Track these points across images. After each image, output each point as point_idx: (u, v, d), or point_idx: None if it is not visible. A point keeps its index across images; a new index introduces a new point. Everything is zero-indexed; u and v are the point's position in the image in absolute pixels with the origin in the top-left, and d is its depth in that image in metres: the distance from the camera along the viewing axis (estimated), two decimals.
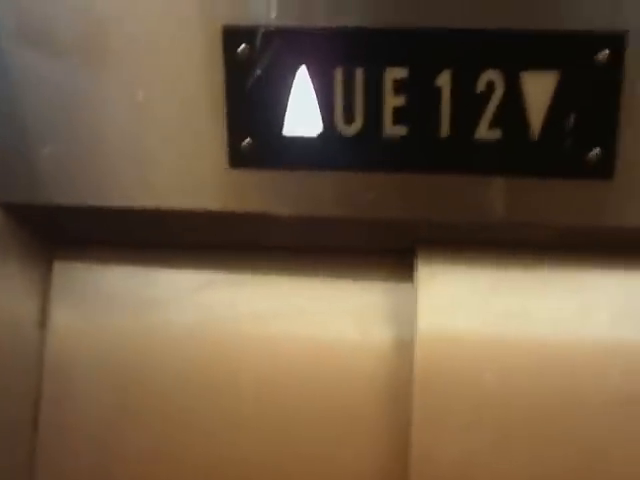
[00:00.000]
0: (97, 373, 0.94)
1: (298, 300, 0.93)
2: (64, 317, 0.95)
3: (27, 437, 0.93)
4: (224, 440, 0.92)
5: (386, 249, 0.91)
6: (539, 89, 0.77)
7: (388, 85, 0.78)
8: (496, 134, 0.78)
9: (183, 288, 0.94)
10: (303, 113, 0.79)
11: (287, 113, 0.79)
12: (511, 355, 0.87)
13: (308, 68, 0.78)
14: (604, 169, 0.78)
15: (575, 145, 0.78)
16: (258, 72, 0.79)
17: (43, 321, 0.95)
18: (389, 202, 0.82)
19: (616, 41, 0.74)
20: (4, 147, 0.84)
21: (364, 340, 0.92)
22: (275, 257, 0.94)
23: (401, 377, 0.90)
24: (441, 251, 0.89)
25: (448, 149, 0.79)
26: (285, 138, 0.80)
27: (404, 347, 0.90)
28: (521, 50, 0.76)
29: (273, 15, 0.77)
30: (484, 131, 0.78)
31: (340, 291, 0.93)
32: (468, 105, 0.78)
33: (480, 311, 0.88)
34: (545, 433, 0.86)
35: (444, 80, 0.77)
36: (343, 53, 0.78)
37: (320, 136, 0.80)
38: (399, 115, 0.78)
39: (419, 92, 0.78)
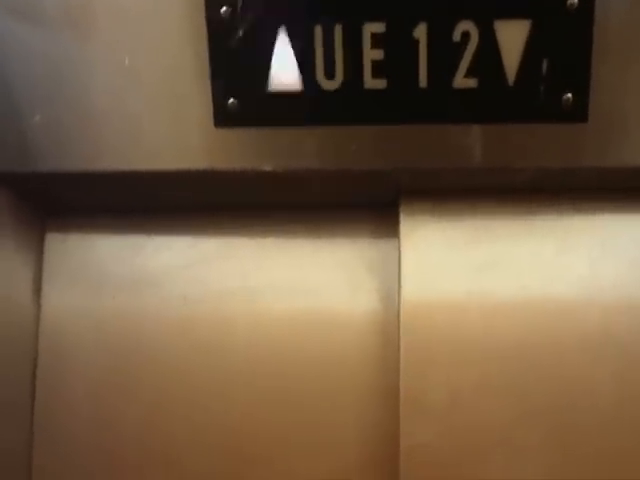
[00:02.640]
0: (90, 344, 0.95)
1: (287, 261, 0.95)
2: (57, 287, 0.96)
3: (25, 408, 0.94)
4: (218, 412, 0.93)
5: (370, 202, 0.93)
6: (512, 37, 0.80)
7: (366, 39, 0.80)
8: (473, 82, 0.81)
9: (173, 261, 0.96)
10: (285, 71, 0.81)
11: (269, 71, 0.81)
12: (494, 301, 0.90)
13: (288, 26, 0.80)
14: (578, 112, 0.81)
15: (549, 90, 0.81)
16: (240, 32, 0.80)
17: (37, 290, 0.96)
18: (372, 153, 0.84)
19: None
20: None
21: (351, 294, 0.94)
22: (263, 218, 0.96)
23: (388, 330, 0.92)
24: (423, 202, 0.91)
25: (427, 99, 0.81)
26: (268, 96, 0.82)
27: (390, 299, 0.92)
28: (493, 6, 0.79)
29: None
30: (461, 80, 0.81)
31: (327, 247, 0.95)
32: (444, 55, 0.80)
33: (463, 260, 0.90)
34: (527, 372, 0.88)
35: (420, 32, 0.80)
36: (321, 10, 0.80)
37: (302, 92, 0.82)
38: (378, 68, 0.81)
39: (397, 45, 0.80)
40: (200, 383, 0.94)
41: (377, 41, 0.80)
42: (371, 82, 0.81)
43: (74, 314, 0.96)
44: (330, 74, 0.81)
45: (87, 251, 0.97)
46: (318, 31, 0.80)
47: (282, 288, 0.95)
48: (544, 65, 0.80)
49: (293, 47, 0.80)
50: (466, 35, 0.79)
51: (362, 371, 0.93)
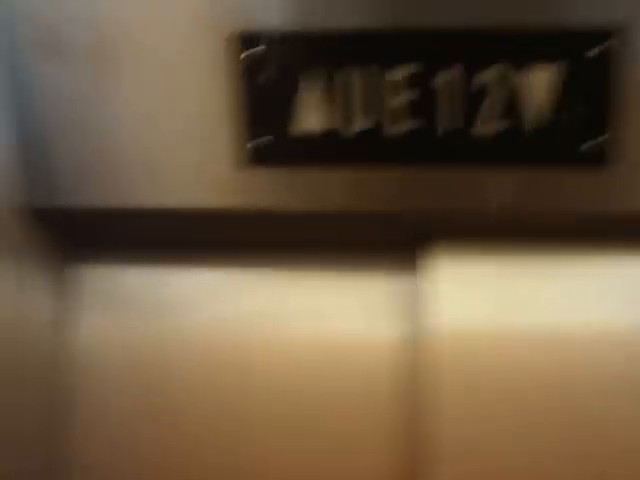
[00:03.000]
0: (115, 375, 0.96)
1: (309, 298, 0.96)
2: (80, 320, 0.98)
3: (60, 440, 0.95)
4: (241, 436, 0.94)
5: (392, 243, 0.94)
6: (535, 82, 0.80)
7: (388, 85, 0.81)
8: (493, 128, 0.81)
9: (198, 290, 0.97)
10: (308, 114, 0.82)
11: (293, 114, 0.82)
12: (521, 343, 0.89)
13: (311, 70, 0.81)
14: (601, 156, 0.82)
15: (572, 135, 0.81)
16: (264, 76, 0.82)
17: (58, 324, 0.97)
18: (394, 195, 0.85)
19: (604, 38, 0.78)
20: (22, 153, 0.87)
21: (372, 335, 0.95)
22: (286, 255, 0.97)
23: (410, 370, 0.92)
24: (445, 244, 0.92)
25: (449, 144, 0.82)
26: (291, 138, 0.84)
27: (412, 342, 0.93)
28: (516, 48, 0.80)
29: (276, 22, 0.80)
30: (482, 125, 0.81)
31: (347, 286, 0.96)
32: (466, 102, 0.81)
33: (484, 300, 0.91)
34: (562, 418, 0.88)
35: (441, 78, 0.80)
36: (343, 55, 0.81)
37: (325, 135, 0.83)
38: (398, 114, 0.82)
39: (417, 92, 0.81)
40: (223, 407, 0.95)
41: (397, 87, 0.81)
42: (391, 127, 0.82)
43: (97, 346, 0.97)
44: (351, 118, 0.82)
45: (110, 284, 0.98)
46: (339, 77, 0.81)
47: (304, 321, 0.96)
48: (565, 111, 0.80)
49: (316, 91, 0.81)
50: (488, 81, 0.80)
51: (382, 406, 0.93)
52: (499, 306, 0.90)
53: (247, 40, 0.81)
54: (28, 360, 0.92)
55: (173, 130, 0.85)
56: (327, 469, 0.94)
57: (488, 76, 0.80)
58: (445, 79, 0.80)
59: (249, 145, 0.84)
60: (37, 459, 0.94)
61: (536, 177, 0.83)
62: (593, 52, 0.78)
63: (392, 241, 0.94)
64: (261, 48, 0.81)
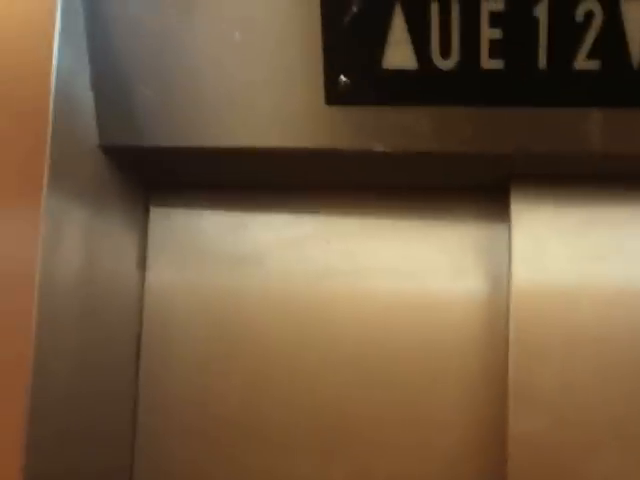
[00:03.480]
0: (193, 318, 0.96)
1: (394, 243, 0.95)
2: (161, 261, 0.97)
3: (130, 379, 0.96)
4: (316, 390, 0.94)
5: (482, 185, 0.91)
6: (639, 17, 0.76)
7: (484, 17, 0.78)
8: (595, 64, 0.78)
9: (278, 237, 0.96)
10: (400, 48, 0.80)
11: (384, 49, 0.80)
12: (606, 289, 0.87)
13: (404, 3, 0.78)
14: None
15: None
16: (354, 8, 0.79)
17: (142, 264, 0.97)
18: (486, 136, 0.82)
19: None
20: (104, 92, 0.86)
21: (458, 282, 0.93)
22: (368, 197, 0.95)
23: (496, 318, 0.91)
24: (536, 187, 0.89)
25: (546, 81, 0.79)
26: (381, 74, 0.81)
27: (499, 288, 0.91)
28: None
29: None
30: (582, 62, 0.78)
31: (435, 230, 0.94)
32: (566, 36, 0.77)
33: (575, 247, 0.88)
34: (637, 373, 0.86)
35: (541, 11, 0.77)
36: None
37: (416, 71, 0.80)
38: (496, 48, 0.78)
39: (516, 24, 0.78)
40: (299, 361, 0.94)
41: (495, 19, 0.77)
42: (488, 62, 0.79)
43: (177, 288, 0.97)
44: (446, 53, 0.79)
45: (191, 226, 0.98)
46: (435, 7, 0.78)
47: (386, 270, 0.94)
48: None
49: (409, 24, 0.79)
50: (590, 14, 0.76)
51: (469, 356, 0.92)
52: (579, 259, 0.88)
53: None
54: (110, 301, 0.92)
55: (256, 68, 0.83)
56: (412, 422, 0.92)
57: (589, 8, 0.76)
58: (543, 12, 0.77)
59: (337, 81, 0.82)
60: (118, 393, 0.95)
61: (634, 117, 0.80)
62: None
63: (478, 187, 0.92)
64: None
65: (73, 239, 0.85)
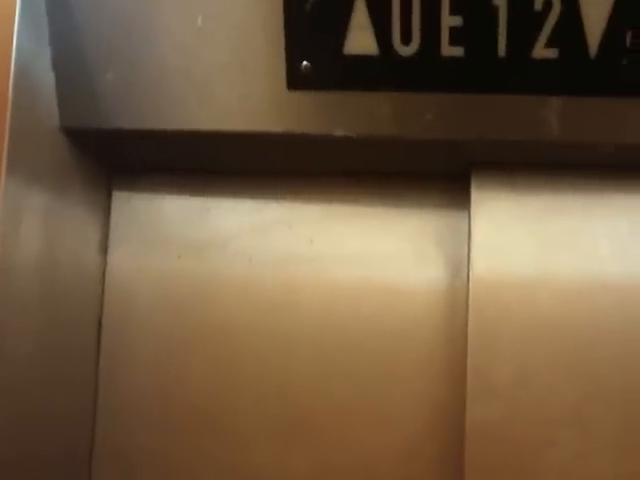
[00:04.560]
0: (155, 302, 0.96)
1: (355, 229, 0.95)
2: (123, 244, 0.97)
3: (90, 362, 0.95)
4: (278, 376, 0.94)
5: (441, 173, 0.92)
6: (596, 6, 0.77)
7: (445, 5, 0.78)
8: (553, 53, 0.79)
9: (239, 224, 0.96)
10: (361, 34, 0.80)
11: (345, 34, 0.80)
12: (564, 278, 0.88)
13: None
14: None
15: (632, 63, 0.78)
16: None
17: (103, 247, 0.97)
18: (446, 122, 0.82)
19: None
20: (65, 73, 0.86)
21: (419, 271, 0.94)
22: (330, 183, 0.95)
23: (456, 307, 0.91)
24: (496, 174, 0.90)
25: (505, 69, 0.79)
26: (343, 59, 0.81)
27: (458, 277, 0.92)
28: None
29: None
30: (541, 50, 0.78)
31: (396, 216, 0.95)
32: (525, 24, 0.78)
33: (534, 235, 0.89)
34: (595, 350, 0.87)
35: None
36: None
37: (377, 57, 0.80)
38: (456, 35, 0.79)
39: (476, 11, 0.78)
40: (261, 347, 0.94)
41: (456, 7, 0.78)
42: (448, 49, 0.79)
43: (140, 272, 0.96)
44: (407, 39, 0.79)
45: (153, 210, 0.98)
46: None
47: (348, 255, 0.95)
48: (628, 36, 0.77)
49: (370, 10, 0.79)
50: (548, 3, 0.77)
51: (427, 343, 0.92)
52: (538, 248, 0.89)
53: None
54: (71, 285, 0.91)
55: (219, 53, 0.83)
56: (373, 411, 0.93)
57: None
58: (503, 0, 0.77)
59: (299, 66, 0.82)
60: (77, 379, 0.94)
61: (592, 106, 0.81)
62: None
63: (439, 174, 0.92)
64: None
65: (33, 222, 0.85)
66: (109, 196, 0.98)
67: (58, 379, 0.89)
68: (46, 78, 0.85)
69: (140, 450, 0.95)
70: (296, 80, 0.82)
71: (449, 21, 0.78)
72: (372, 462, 0.92)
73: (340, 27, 0.80)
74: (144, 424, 0.95)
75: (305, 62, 0.81)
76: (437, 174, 0.92)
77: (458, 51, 0.79)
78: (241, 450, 0.94)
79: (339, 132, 0.83)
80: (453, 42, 0.79)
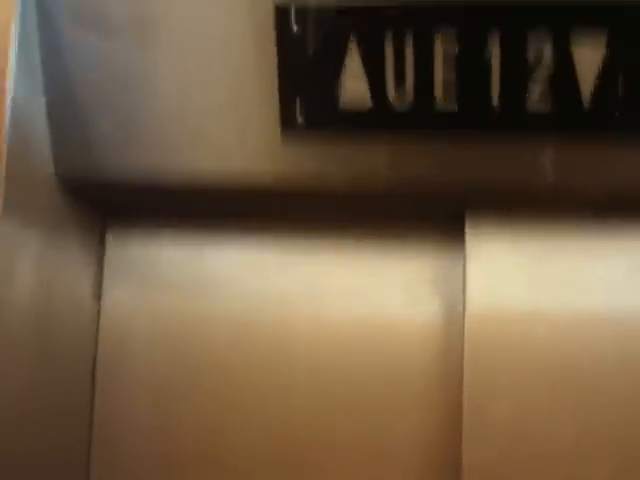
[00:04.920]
0: (150, 346, 0.96)
1: (351, 271, 0.96)
2: (117, 289, 0.98)
3: (84, 407, 0.95)
4: (276, 417, 0.94)
5: (437, 217, 0.92)
6: (588, 55, 0.78)
7: (438, 59, 0.79)
8: (546, 104, 0.79)
9: (235, 266, 0.96)
10: (355, 87, 0.80)
11: (339, 89, 0.80)
12: (559, 317, 0.89)
13: (359, 44, 0.79)
14: None
15: (625, 110, 0.79)
16: (310, 48, 0.80)
17: (97, 292, 0.97)
18: (440, 171, 0.83)
19: None
20: (61, 122, 0.86)
21: (414, 310, 0.94)
22: (327, 231, 0.96)
23: (451, 346, 0.92)
24: (490, 218, 0.90)
25: (499, 121, 0.80)
26: (338, 112, 0.82)
27: (454, 315, 0.92)
28: (569, 14, 0.77)
29: None
30: (534, 101, 0.79)
31: (392, 260, 0.95)
32: (517, 76, 0.79)
33: (529, 276, 0.90)
34: (592, 388, 0.87)
35: (493, 52, 0.78)
36: (393, 27, 0.79)
37: (372, 110, 0.81)
38: (450, 89, 0.79)
39: (468, 66, 0.79)
40: (258, 388, 0.95)
41: (449, 61, 0.78)
42: (442, 103, 0.80)
43: (134, 316, 0.97)
44: (401, 93, 0.80)
45: (148, 254, 0.98)
46: (389, 51, 0.79)
47: (344, 298, 0.95)
48: (620, 84, 0.78)
49: (364, 64, 0.79)
50: (540, 56, 0.78)
51: (424, 382, 0.93)
52: (534, 287, 0.89)
53: (292, 14, 0.79)
54: (65, 329, 0.92)
55: (213, 107, 0.84)
56: (370, 449, 0.93)
57: (539, 47, 0.78)
58: (496, 54, 0.78)
59: (292, 120, 0.82)
60: (72, 424, 0.94)
61: (585, 154, 0.81)
62: None
63: (434, 218, 0.93)
64: (306, 22, 0.79)
65: (27, 266, 0.85)
66: (103, 239, 0.98)
67: (52, 416, 0.89)
68: (41, 126, 0.86)
69: None
70: (290, 133, 0.83)
71: (443, 75, 0.79)
72: None
73: (333, 81, 0.80)
74: (140, 463, 0.95)
75: (299, 115, 0.82)
76: (433, 218, 0.93)
77: (452, 106, 0.80)
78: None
79: (333, 184, 0.84)
80: (447, 97, 0.79)
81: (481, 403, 0.88)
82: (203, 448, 0.95)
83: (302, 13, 0.79)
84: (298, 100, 0.82)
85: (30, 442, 0.85)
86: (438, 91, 0.79)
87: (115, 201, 0.94)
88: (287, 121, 0.82)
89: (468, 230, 0.90)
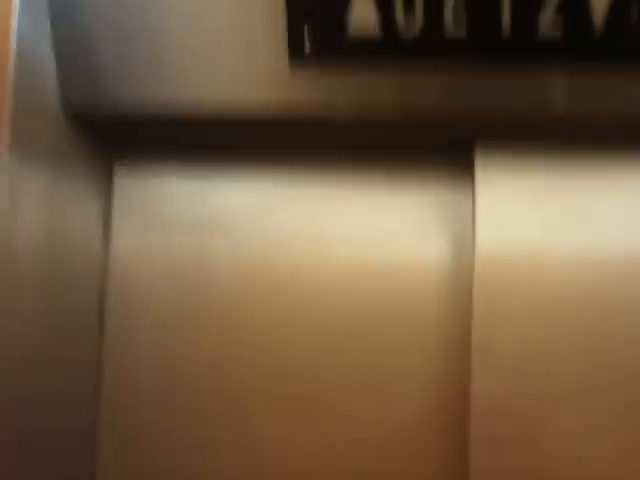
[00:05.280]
0: (158, 281, 0.96)
1: (358, 206, 0.95)
2: (126, 224, 0.97)
3: (93, 340, 0.96)
4: (282, 355, 0.94)
5: (445, 149, 0.91)
6: None
7: None
8: (557, 30, 0.78)
9: (243, 204, 0.96)
10: (364, 16, 0.79)
11: (347, 16, 0.79)
12: (570, 252, 0.89)
13: None
14: None
15: (637, 36, 0.78)
16: None
17: (107, 226, 0.97)
18: (449, 100, 0.82)
19: None
20: (67, 55, 0.85)
21: (423, 241, 0.94)
22: (334, 161, 0.95)
23: (460, 277, 0.92)
24: (500, 150, 0.89)
25: (509, 48, 0.79)
26: (346, 41, 0.81)
27: (462, 246, 0.92)
28: None
29: None
30: (546, 26, 0.78)
31: (400, 192, 0.95)
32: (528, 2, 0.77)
33: (539, 212, 0.89)
34: (600, 324, 0.88)
35: None
36: None
37: (381, 38, 0.80)
38: (460, 15, 0.78)
39: None
40: (265, 326, 0.95)
41: None
42: (452, 30, 0.79)
43: (142, 252, 0.97)
44: (410, 21, 0.79)
45: (157, 190, 0.98)
46: None
47: (352, 234, 0.95)
48: (633, 9, 0.77)
49: None
50: None
51: (432, 319, 0.93)
52: (542, 222, 0.89)
53: None
54: (72, 264, 0.92)
55: (221, 32, 0.83)
56: (378, 387, 0.93)
57: None
58: None
59: (300, 48, 0.81)
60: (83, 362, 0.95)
61: (597, 80, 0.80)
62: None
63: (443, 150, 0.92)
64: None
65: (34, 200, 0.85)
66: (111, 175, 0.98)
67: (61, 358, 0.89)
68: (47, 59, 0.85)
69: (145, 426, 0.96)
70: (298, 60, 0.82)
71: (452, 3, 0.78)
72: (376, 438, 0.93)
73: (342, 8, 0.79)
74: (148, 401, 0.96)
75: (307, 42, 0.81)
76: (441, 150, 0.92)
77: (461, 33, 0.79)
78: (245, 425, 0.94)
79: (341, 112, 0.83)
80: (456, 23, 0.78)
81: (489, 341, 0.88)
82: (209, 385, 0.95)
83: None
84: (306, 29, 0.81)
85: (39, 382, 0.85)
86: (448, 18, 0.78)
87: (122, 134, 0.93)
88: (295, 50, 0.81)
89: (477, 162, 0.90)
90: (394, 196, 0.95)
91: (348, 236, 0.95)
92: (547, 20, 0.78)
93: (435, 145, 0.91)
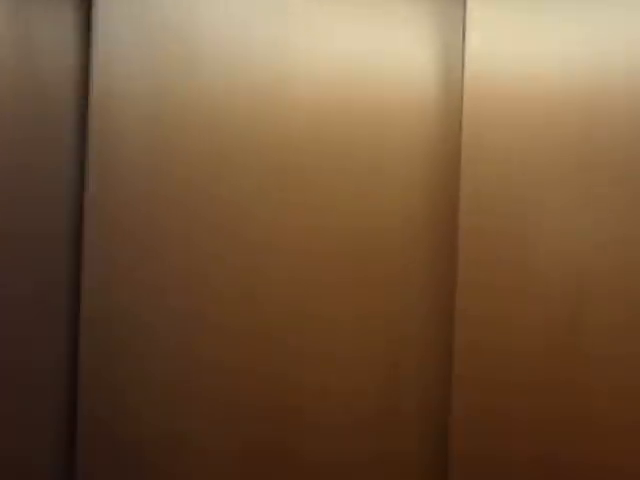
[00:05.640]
0: (144, 84, 0.95)
1: (348, 8, 0.94)
2: (110, 30, 0.94)
3: (77, 138, 0.94)
4: (277, 151, 0.95)
5: None
6: None
7: None
8: None
9: (236, 11, 0.94)
10: None
11: None
12: (560, 65, 0.88)
13: None
14: None
15: None
16: None
17: (87, 31, 0.94)
18: None
19: None
20: None
21: (414, 49, 0.94)
22: None
23: (452, 86, 0.92)
24: None
25: None
26: None
27: (453, 51, 0.91)
28: None
29: None
30: None
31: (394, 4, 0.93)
32: None
33: (530, 22, 0.88)
34: (599, 130, 0.89)
35: None
36: None
37: None
38: None
39: None
40: (260, 128, 0.95)
41: None
42: None
43: (128, 52, 0.94)
44: None
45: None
46: None
47: (345, 45, 0.94)
48: None
49: None
50: None
51: (424, 119, 0.94)
52: (534, 35, 0.89)
53: None
54: (51, 65, 0.91)
55: None
56: (363, 164, 0.95)
57: None
58: None
59: None
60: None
61: None
62: None
63: None
64: None
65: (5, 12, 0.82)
66: None
67: (40, 169, 0.89)
68: None
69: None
70: None
71: None
72: (368, 224, 0.96)
73: None
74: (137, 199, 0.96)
75: None
76: None
77: None
78: (240, 205, 0.97)
79: None
80: None
81: (479, 133, 0.90)
82: (198, 184, 0.96)
83: None
84: None
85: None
86: None
87: None
88: None
89: None
90: (387, 7, 0.93)
91: (343, 47, 0.94)
92: None
93: None
